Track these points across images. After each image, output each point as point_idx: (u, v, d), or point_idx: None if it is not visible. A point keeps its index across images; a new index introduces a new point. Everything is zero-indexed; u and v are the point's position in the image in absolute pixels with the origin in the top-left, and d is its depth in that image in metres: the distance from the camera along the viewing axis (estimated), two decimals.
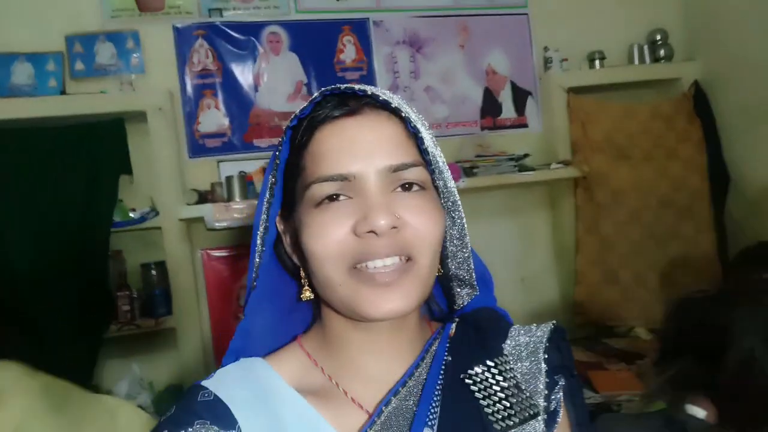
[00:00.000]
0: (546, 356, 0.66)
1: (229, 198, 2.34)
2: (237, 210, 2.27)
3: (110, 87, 2.38)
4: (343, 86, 0.61)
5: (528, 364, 0.66)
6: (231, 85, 2.55)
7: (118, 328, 2.26)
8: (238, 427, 0.58)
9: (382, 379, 0.63)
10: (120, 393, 2.27)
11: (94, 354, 2.27)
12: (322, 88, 0.63)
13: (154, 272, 2.38)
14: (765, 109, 2.56)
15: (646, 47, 2.97)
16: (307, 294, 0.64)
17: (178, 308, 2.33)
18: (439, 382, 0.62)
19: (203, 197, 2.37)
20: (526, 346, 0.67)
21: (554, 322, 0.70)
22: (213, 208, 2.26)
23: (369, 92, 0.60)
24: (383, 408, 0.60)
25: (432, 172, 0.63)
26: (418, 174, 0.60)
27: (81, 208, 2.25)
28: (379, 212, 0.56)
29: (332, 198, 0.58)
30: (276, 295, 0.68)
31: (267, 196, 0.65)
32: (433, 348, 0.66)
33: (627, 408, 1.86)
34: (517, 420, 0.60)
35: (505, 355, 0.65)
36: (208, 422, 0.58)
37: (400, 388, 0.62)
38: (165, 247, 2.33)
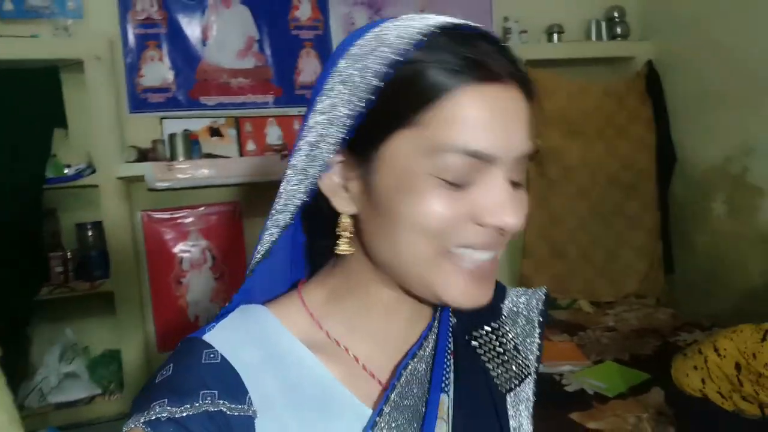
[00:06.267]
0: (540, 319, 0.67)
1: (172, 157, 2.23)
2: (180, 170, 2.16)
3: (44, 32, 2.20)
4: (487, 31, 0.50)
5: (524, 323, 0.66)
6: (177, 37, 2.40)
7: (50, 290, 2.14)
8: (249, 398, 0.50)
9: (394, 343, 0.59)
10: (52, 358, 2.17)
11: (24, 317, 2.15)
12: (459, 22, 0.50)
13: (90, 233, 2.26)
14: (716, 94, 2.60)
15: (603, 24, 2.97)
16: (346, 248, 0.54)
17: (116, 271, 2.22)
18: (448, 346, 0.59)
19: (144, 155, 2.24)
20: (525, 306, 0.67)
21: (545, 289, 0.69)
22: (154, 167, 2.14)
23: (515, 59, 0.51)
24: (402, 371, 0.55)
25: None
26: (526, 165, 0.53)
27: (10, 161, 2.09)
28: (513, 210, 0.49)
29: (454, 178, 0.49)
30: (285, 245, 0.59)
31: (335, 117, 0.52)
32: (438, 313, 0.62)
33: (568, 378, 1.89)
34: (516, 382, 0.62)
35: (504, 316, 0.66)
36: (216, 394, 0.49)
37: (418, 351, 0.58)
38: (102, 207, 2.20)
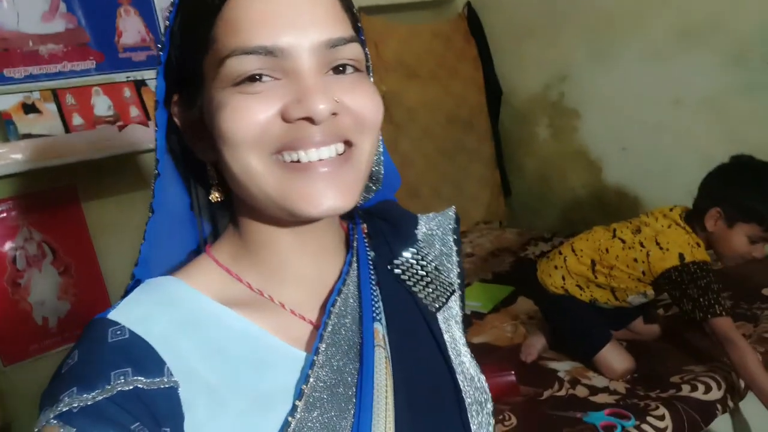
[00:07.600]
0: (455, 237, 0.70)
1: None
2: None
3: None
4: None
5: (439, 245, 0.69)
6: None
7: None
8: (167, 368, 0.48)
9: (315, 283, 0.58)
10: None
11: None
12: None
13: None
14: (527, 28, 2.88)
15: None
16: (216, 195, 0.55)
17: None
18: (371, 278, 0.60)
19: None
20: (438, 229, 0.70)
21: (454, 208, 0.73)
22: None
23: None
24: (331, 308, 0.55)
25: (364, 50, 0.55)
26: (355, 52, 0.51)
27: None
28: (316, 95, 0.47)
29: (254, 78, 0.48)
30: (173, 206, 0.58)
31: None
32: (355, 245, 0.62)
33: None
34: (444, 299, 0.64)
35: (420, 241, 0.68)
36: (129, 371, 0.45)
37: (342, 287, 0.57)
38: None
